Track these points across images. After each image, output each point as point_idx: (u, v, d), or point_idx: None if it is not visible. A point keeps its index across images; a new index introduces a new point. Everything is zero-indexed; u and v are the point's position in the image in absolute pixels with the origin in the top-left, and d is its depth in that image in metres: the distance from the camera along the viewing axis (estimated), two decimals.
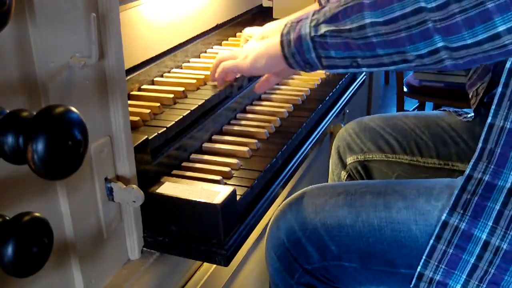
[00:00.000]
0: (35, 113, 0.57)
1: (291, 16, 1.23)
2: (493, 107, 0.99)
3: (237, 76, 1.28)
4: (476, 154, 1.00)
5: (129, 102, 1.06)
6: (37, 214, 0.60)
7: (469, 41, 0.80)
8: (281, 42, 1.01)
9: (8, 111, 0.59)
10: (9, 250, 0.56)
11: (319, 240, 1.13)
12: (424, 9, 0.81)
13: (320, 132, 1.44)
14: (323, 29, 0.93)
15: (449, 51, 0.83)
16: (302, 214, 1.15)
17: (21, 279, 0.62)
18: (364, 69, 0.94)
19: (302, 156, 1.31)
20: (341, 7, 0.91)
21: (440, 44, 0.83)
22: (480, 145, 1.00)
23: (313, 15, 0.96)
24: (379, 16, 0.85)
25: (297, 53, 0.98)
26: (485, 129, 1.00)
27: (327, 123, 1.50)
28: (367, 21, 0.87)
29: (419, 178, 1.40)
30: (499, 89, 0.98)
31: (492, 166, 0.98)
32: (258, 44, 1.12)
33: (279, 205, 1.24)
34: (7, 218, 0.59)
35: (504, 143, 0.97)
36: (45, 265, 0.60)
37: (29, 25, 0.72)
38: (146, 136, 1.00)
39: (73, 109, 0.59)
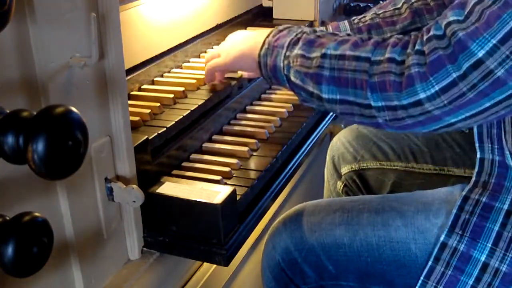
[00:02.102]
0: (35, 113, 0.57)
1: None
2: (477, 144, 1.00)
3: (229, 76, 1.30)
4: (472, 183, 1.00)
5: (129, 102, 1.06)
6: (37, 214, 0.60)
7: (424, 131, 0.89)
8: (259, 63, 1.07)
9: (8, 111, 0.59)
10: (9, 250, 0.56)
11: (316, 260, 1.11)
12: (374, 107, 0.88)
13: (320, 132, 1.44)
14: (292, 77, 1.00)
15: None
16: (298, 233, 1.14)
17: (21, 279, 0.61)
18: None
19: (302, 156, 1.31)
20: (305, 68, 0.97)
21: (394, 131, 0.93)
22: (474, 178, 1.00)
23: (287, 47, 1.02)
24: (335, 94, 0.93)
25: (273, 77, 1.06)
26: (477, 164, 1.00)
27: (327, 123, 1.50)
28: (324, 96, 0.94)
29: (415, 184, 1.39)
30: (475, 129, 0.99)
31: (489, 191, 0.98)
32: (239, 40, 1.18)
33: (275, 215, 1.23)
34: (7, 218, 0.59)
35: (497, 174, 0.98)
36: (45, 265, 0.60)
37: (29, 25, 0.72)
38: (146, 136, 1.00)
39: (73, 109, 0.59)
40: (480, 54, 0.76)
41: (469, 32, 0.78)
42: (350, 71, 0.90)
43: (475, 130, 0.99)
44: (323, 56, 0.94)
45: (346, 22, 1.36)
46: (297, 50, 0.99)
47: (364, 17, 1.35)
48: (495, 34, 0.76)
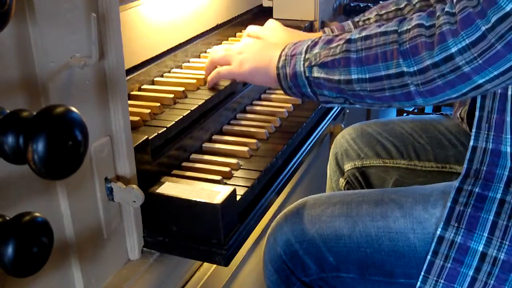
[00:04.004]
0: (35, 113, 0.57)
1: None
2: (473, 130, 1.00)
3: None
4: (463, 172, 1.00)
5: (129, 102, 1.06)
6: (37, 214, 0.60)
7: (453, 95, 0.89)
8: (278, 75, 1.07)
9: (8, 111, 0.59)
10: (9, 250, 0.56)
11: (317, 252, 1.12)
12: (406, 73, 0.89)
13: (320, 132, 1.44)
14: (315, 73, 1.00)
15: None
16: (299, 225, 1.15)
17: (21, 279, 0.61)
18: (358, 106, 1.03)
19: (302, 156, 1.31)
20: (330, 57, 0.98)
21: (422, 103, 0.92)
22: (465, 165, 1.01)
23: (306, 51, 1.03)
24: (364, 73, 0.94)
25: (293, 86, 1.06)
26: (469, 151, 1.01)
27: (327, 123, 1.50)
28: (354, 76, 0.95)
29: (417, 182, 1.40)
30: (477, 112, 1.00)
31: (481, 181, 0.98)
32: (254, 52, 1.16)
33: (275, 215, 1.23)
34: (7, 218, 0.59)
35: (489, 162, 0.98)
36: (45, 265, 0.60)
37: (29, 25, 0.72)
38: (146, 136, 1.00)
39: (73, 109, 0.59)
40: (508, 8, 0.79)
41: None
42: (379, 46, 0.92)
43: (476, 114, 1.00)
44: (348, 41, 0.96)
45: (350, 23, 1.36)
46: (317, 49, 1.01)
47: (368, 19, 1.35)
48: None
